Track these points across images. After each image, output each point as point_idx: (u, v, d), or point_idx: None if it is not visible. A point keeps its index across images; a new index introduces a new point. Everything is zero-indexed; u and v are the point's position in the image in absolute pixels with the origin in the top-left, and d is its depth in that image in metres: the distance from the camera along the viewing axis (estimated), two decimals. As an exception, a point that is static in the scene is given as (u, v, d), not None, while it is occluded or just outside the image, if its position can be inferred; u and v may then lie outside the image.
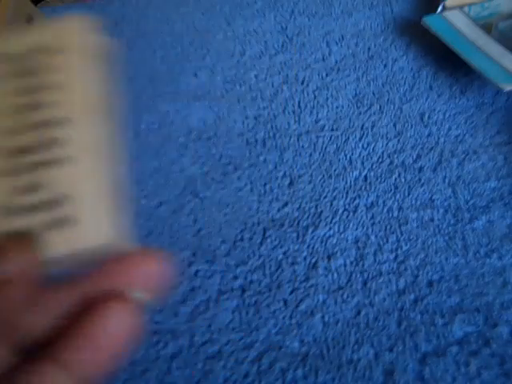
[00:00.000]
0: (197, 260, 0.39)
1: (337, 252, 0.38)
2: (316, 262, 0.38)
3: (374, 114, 0.48)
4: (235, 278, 0.38)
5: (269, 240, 0.40)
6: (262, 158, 0.46)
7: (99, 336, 0.13)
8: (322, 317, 0.35)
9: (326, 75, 0.53)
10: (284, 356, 0.33)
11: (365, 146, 0.45)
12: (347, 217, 0.40)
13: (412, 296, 0.35)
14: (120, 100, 0.16)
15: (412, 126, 0.47)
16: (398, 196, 0.41)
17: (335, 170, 0.44)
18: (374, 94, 0.50)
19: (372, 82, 0.51)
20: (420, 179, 0.42)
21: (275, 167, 0.45)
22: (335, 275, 0.37)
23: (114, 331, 0.13)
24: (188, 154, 0.47)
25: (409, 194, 0.41)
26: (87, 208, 0.14)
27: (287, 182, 0.43)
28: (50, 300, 0.14)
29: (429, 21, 0.51)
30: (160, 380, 0.33)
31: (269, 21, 0.61)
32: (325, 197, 0.42)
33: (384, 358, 0.32)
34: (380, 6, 0.61)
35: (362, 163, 0.44)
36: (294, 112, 0.50)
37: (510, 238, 0.37)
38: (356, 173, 0.43)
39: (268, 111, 0.50)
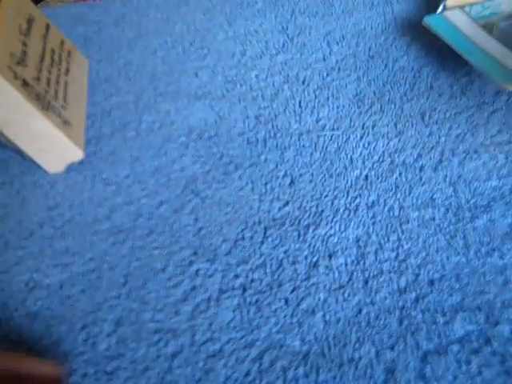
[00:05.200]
0: (198, 259, 0.39)
1: (338, 251, 0.38)
2: (317, 260, 0.38)
3: (375, 113, 0.48)
4: (236, 276, 0.38)
5: (270, 239, 0.40)
6: (262, 158, 0.46)
7: None
8: (323, 315, 0.35)
9: (327, 75, 0.53)
10: (285, 354, 0.33)
11: (366, 145, 0.45)
12: (348, 216, 0.40)
13: (413, 295, 0.35)
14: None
15: (413, 125, 0.47)
16: (398, 195, 0.41)
17: (336, 170, 0.44)
18: (374, 93, 0.50)
19: (373, 82, 0.51)
20: (421, 178, 0.42)
21: (276, 166, 0.45)
22: (336, 274, 0.37)
23: None
24: (189, 154, 0.47)
25: (410, 193, 0.41)
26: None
27: (288, 181, 0.43)
28: None
29: (429, 20, 0.52)
30: (161, 378, 0.33)
31: (269, 21, 0.62)
32: (326, 196, 0.42)
33: (385, 356, 0.32)
34: (381, 6, 0.61)
35: (363, 162, 0.44)
36: (294, 111, 0.50)
37: (511, 237, 0.37)
38: (357, 172, 0.43)
39: (269, 111, 0.50)
